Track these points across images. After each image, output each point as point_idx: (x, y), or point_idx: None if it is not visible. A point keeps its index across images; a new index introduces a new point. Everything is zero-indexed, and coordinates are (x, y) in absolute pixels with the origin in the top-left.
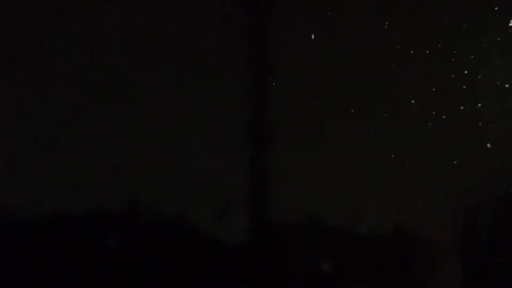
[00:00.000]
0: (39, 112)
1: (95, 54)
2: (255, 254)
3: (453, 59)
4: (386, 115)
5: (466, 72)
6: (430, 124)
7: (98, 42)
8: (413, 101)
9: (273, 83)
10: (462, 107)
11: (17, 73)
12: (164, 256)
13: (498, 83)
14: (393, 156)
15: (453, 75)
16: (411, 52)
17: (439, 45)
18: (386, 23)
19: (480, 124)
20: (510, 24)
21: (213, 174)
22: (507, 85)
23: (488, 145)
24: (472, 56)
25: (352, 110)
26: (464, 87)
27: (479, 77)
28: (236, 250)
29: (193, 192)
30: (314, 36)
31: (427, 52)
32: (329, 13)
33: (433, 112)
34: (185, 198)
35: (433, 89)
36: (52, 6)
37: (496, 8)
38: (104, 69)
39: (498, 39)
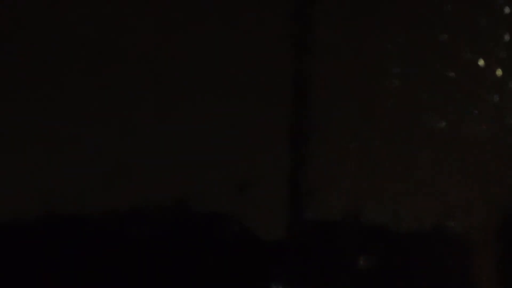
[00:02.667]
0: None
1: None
2: (294, 252)
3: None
4: (429, 112)
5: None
6: (473, 122)
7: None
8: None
9: (312, 79)
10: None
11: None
12: (206, 252)
13: None
14: (436, 152)
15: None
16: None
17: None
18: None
19: None
20: None
21: (252, 170)
22: None
23: None
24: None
25: (391, 106)
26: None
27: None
28: (275, 247)
29: (231, 188)
30: (354, 35)
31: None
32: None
33: (482, 111)
34: (226, 194)
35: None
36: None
37: None
38: None
39: None
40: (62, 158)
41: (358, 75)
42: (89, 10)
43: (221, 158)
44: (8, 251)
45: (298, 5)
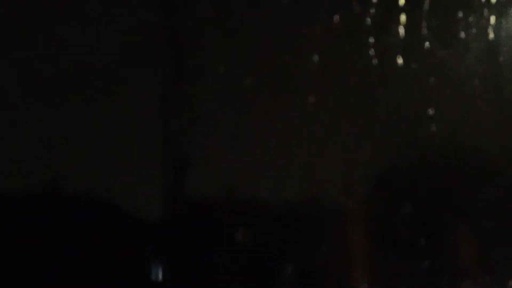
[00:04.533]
0: None
1: None
2: (171, 228)
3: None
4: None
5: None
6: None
7: None
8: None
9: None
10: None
11: None
12: (80, 235)
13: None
14: (309, 126)
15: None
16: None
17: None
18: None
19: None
20: None
21: (127, 146)
22: None
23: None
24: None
25: (267, 89)
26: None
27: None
28: (151, 224)
29: (109, 165)
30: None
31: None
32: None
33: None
34: (98, 173)
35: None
36: None
37: None
38: None
39: None
40: None
41: (235, 47)
42: None
43: (91, 136)
44: None
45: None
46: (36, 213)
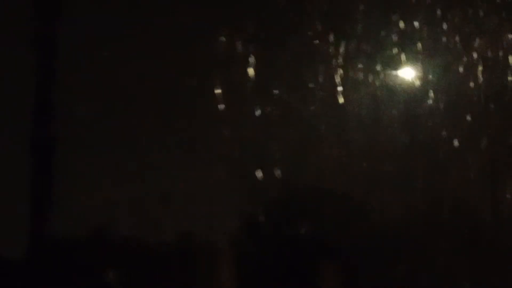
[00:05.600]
0: None
1: None
2: (37, 267)
3: None
4: (182, 123)
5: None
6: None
7: None
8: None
9: (57, 92)
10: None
11: None
12: None
13: None
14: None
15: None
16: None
17: None
18: None
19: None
20: None
21: None
22: None
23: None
24: None
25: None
26: None
27: None
28: (18, 264)
29: None
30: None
31: None
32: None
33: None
34: None
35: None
36: None
37: None
38: None
39: None
40: None
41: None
42: None
43: None
44: None
45: None
46: None
